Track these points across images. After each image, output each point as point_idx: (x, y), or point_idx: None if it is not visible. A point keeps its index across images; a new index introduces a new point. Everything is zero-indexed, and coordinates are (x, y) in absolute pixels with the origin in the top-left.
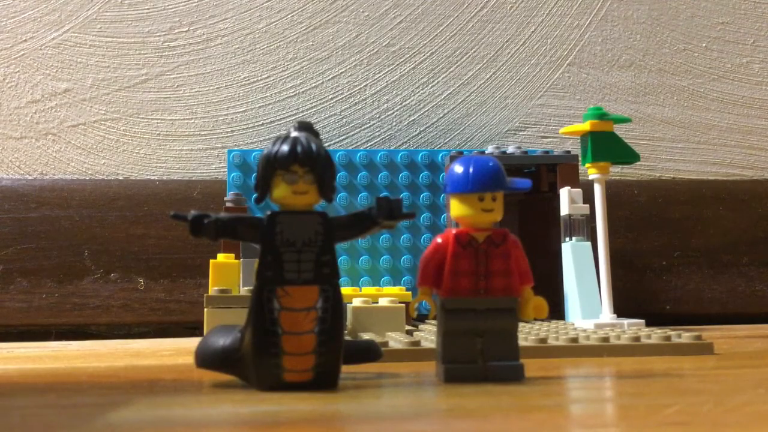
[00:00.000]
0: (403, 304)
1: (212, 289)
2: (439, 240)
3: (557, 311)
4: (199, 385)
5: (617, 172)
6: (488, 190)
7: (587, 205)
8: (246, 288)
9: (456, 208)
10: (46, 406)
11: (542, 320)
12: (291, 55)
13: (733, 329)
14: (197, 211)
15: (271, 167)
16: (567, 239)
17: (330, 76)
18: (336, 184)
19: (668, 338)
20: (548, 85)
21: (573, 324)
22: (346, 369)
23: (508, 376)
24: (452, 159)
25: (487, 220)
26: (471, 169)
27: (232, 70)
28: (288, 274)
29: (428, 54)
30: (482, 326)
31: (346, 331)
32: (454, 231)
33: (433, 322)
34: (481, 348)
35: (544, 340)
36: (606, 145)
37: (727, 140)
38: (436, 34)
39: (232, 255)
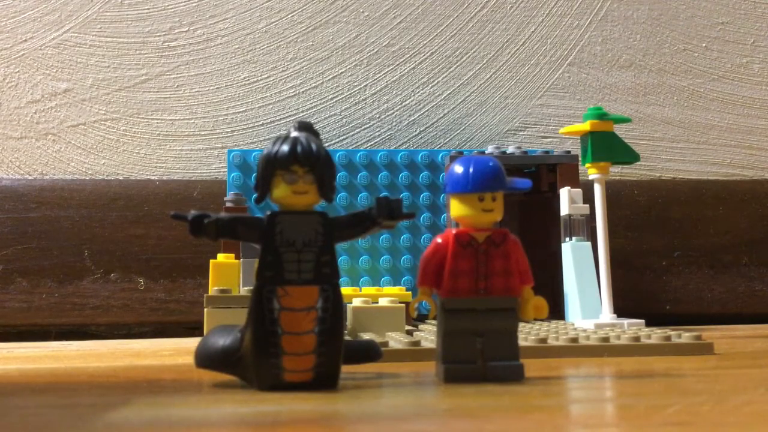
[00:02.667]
0: (403, 304)
1: (212, 289)
2: (439, 240)
3: (557, 311)
4: (199, 385)
5: (617, 172)
6: (488, 190)
7: (587, 205)
8: (246, 288)
9: (456, 208)
10: (46, 406)
11: (542, 320)
12: (291, 55)
13: (733, 329)
14: (197, 211)
15: (271, 167)
16: (567, 239)
17: (330, 76)
18: (336, 184)
19: (668, 338)
20: (548, 85)
21: (573, 324)
22: (346, 369)
23: (508, 376)
24: (452, 159)
25: (487, 220)
26: (471, 169)
27: (232, 70)
28: (288, 274)
29: (428, 54)
30: (482, 326)
31: (346, 331)
32: (454, 231)
33: (433, 322)
34: (481, 348)
35: (544, 340)
36: (606, 145)
37: (727, 140)
38: (436, 34)
39: (232, 255)
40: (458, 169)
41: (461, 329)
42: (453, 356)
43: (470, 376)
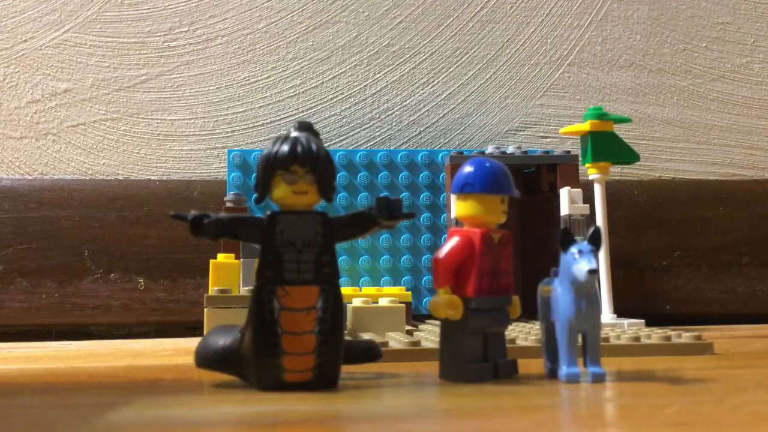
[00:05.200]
0: (403, 304)
1: (212, 289)
2: (463, 239)
3: None
4: (199, 385)
5: (617, 172)
6: (511, 193)
7: (587, 205)
8: (246, 288)
9: (474, 207)
10: (46, 406)
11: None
12: (291, 55)
13: (733, 329)
14: (197, 211)
15: (271, 167)
16: None
17: (330, 76)
18: (336, 184)
19: (668, 338)
20: (548, 85)
21: None
22: (346, 369)
23: (512, 372)
24: (452, 159)
25: (502, 221)
26: (498, 172)
27: (232, 70)
28: (288, 274)
29: (428, 54)
30: (499, 325)
31: (346, 331)
32: (478, 231)
33: (433, 322)
34: (484, 346)
35: None
36: (606, 145)
37: (727, 140)
38: (436, 34)
39: (232, 255)
40: (484, 170)
41: (483, 328)
42: (472, 356)
43: (487, 374)
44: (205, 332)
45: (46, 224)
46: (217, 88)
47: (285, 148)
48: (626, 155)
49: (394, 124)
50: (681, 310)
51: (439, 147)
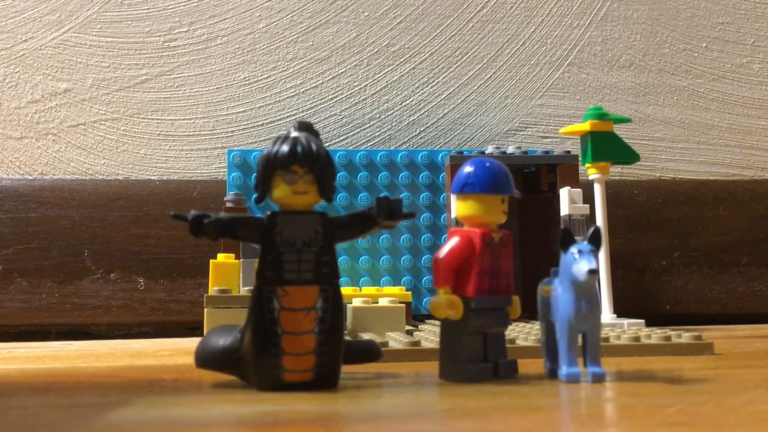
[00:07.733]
0: (403, 304)
1: (212, 289)
2: (463, 239)
3: None
4: (199, 385)
5: (617, 172)
6: (511, 193)
7: (587, 205)
8: (246, 288)
9: (474, 207)
10: (46, 406)
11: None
12: (291, 55)
13: (733, 329)
14: (197, 211)
15: (271, 167)
16: None
17: (330, 76)
18: (336, 184)
19: (668, 338)
20: (548, 85)
21: None
22: (346, 369)
23: (512, 373)
24: (452, 159)
25: (503, 221)
26: (498, 172)
27: (232, 70)
28: (288, 274)
29: (428, 54)
30: (499, 325)
31: (346, 331)
32: (478, 231)
33: (433, 322)
34: (484, 346)
35: None
36: (606, 145)
37: (727, 140)
38: (436, 34)
39: (232, 255)
40: (483, 170)
41: (482, 328)
42: (472, 356)
43: (487, 375)
44: (205, 332)
45: (46, 224)
46: (217, 88)
47: (285, 148)
48: (626, 155)
49: (394, 124)
50: (681, 310)
51: (439, 147)
